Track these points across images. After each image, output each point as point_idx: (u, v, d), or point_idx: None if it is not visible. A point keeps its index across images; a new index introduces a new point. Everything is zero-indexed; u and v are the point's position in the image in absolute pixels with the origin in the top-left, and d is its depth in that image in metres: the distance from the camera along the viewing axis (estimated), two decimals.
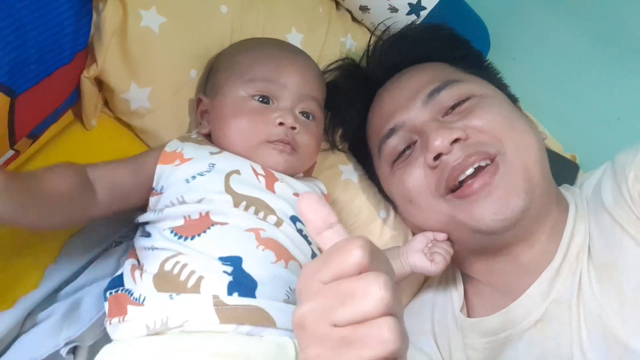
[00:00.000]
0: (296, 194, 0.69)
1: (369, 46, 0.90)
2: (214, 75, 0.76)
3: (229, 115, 0.70)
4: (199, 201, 0.63)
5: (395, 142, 0.75)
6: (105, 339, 0.60)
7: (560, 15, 1.02)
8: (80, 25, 0.66)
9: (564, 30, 1.03)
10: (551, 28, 1.04)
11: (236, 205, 0.63)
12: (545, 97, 1.08)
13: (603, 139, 1.04)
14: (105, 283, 0.64)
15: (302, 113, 0.73)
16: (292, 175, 0.74)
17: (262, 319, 0.56)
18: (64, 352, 0.60)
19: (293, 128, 0.70)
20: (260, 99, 0.70)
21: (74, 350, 0.62)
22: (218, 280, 0.57)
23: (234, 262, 0.58)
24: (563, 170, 0.98)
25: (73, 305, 0.64)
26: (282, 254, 0.61)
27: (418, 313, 0.81)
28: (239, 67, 0.72)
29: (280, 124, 0.69)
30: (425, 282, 0.87)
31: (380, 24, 0.94)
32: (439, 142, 0.67)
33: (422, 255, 0.73)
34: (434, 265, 0.72)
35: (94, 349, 0.61)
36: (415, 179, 0.71)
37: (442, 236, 0.73)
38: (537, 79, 1.08)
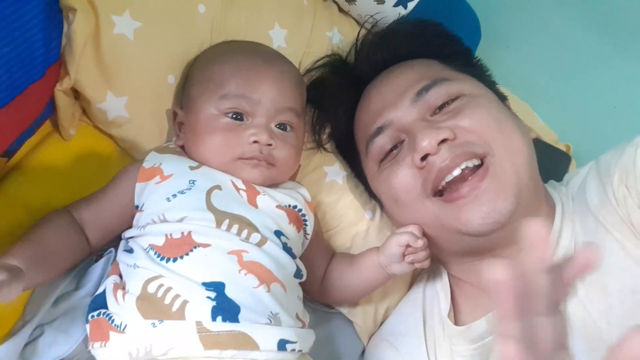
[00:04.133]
0: (279, 207, 0.69)
1: (356, 41, 0.87)
2: (188, 88, 0.74)
3: (202, 132, 0.69)
4: (181, 220, 0.62)
5: (382, 141, 0.75)
6: (90, 357, 0.61)
7: (555, 1, 0.98)
8: (50, 39, 0.64)
9: (559, 17, 1.00)
10: (546, 15, 1.01)
11: (218, 224, 0.62)
12: (539, 86, 1.07)
13: (599, 128, 1.03)
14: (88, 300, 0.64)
15: (279, 125, 0.71)
16: (275, 185, 0.73)
17: (246, 343, 0.57)
18: None
19: (269, 145, 0.68)
20: (234, 116, 0.69)
21: None
22: (202, 305, 0.57)
23: (217, 287, 0.59)
24: (555, 161, 0.98)
25: (60, 323, 0.64)
26: (265, 277, 0.61)
27: (411, 315, 0.81)
28: (212, 83, 0.70)
29: (255, 142, 0.68)
30: (413, 282, 0.87)
31: (368, 17, 0.91)
32: (426, 142, 0.67)
33: (400, 264, 0.73)
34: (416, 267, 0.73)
35: None
36: (402, 179, 0.71)
37: (420, 244, 0.72)
38: (532, 67, 1.07)
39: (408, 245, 0.72)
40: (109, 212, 0.67)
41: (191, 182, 0.65)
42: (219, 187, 0.66)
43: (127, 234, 0.66)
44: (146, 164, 0.68)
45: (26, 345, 0.62)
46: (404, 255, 0.72)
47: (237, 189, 0.67)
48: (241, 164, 0.68)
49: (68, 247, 0.64)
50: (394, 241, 0.72)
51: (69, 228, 0.65)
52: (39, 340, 0.63)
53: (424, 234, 0.73)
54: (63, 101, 0.70)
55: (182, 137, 0.73)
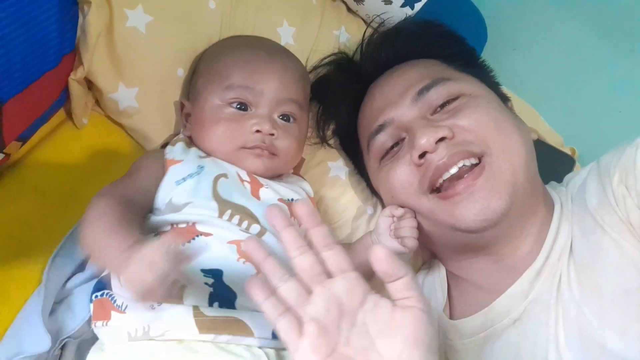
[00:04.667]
0: (281, 200, 0.71)
1: (362, 41, 0.89)
2: (194, 80, 0.77)
3: (206, 122, 0.71)
4: (185, 204, 0.64)
5: (383, 139, 0.76)
6: (94, 336, 0.63)
7: (563, 5, 0.98)
8: (65, 30, 0.67)
9: (566, 21, 1.00)
10: (553, 18, 1.01)
11: (221, 214, 0.64)
12: (546, 89, 1.07)
13: (605, 132, 1.02)
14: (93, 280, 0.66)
15: (282, 116, 0.73)
16: (278, 176, 0.75)
17: (240, 329, 0.58)
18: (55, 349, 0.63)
19: (271, 134, 0.70)
20: (238, 106, 0.71)
21: (62, 345, 0.64)
22: (199, 291, 0.59)
23: (215, 274, 0.60)
24: (558, 164, 0.97)
25: (68, 302, 0.67)
26: None
27: None
28: (217, 75, 0.73)
29: (257, 131, 0.70)
30: None
31: (375, 16, 0.93)
32: (424, 140, 0.68)
33: (389, 237, 0.73)
34: (404, 246, 0.73)
35: (82, 344, 0.65)
36: (400, 176, 0.72)
37: (399, 212, 0.73)
38: (538, 70, 1.06)
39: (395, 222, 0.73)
40: (147, 192, 0.66)
41: (200, 167, 0.67)
42: (225, 176, 0.68)
43: None
44: (168, 156, 0.70)
45: None
46: (391, 230, 0.73)
47: (242, 181, 0.69)
48: (244, 154, 0.70)
49: (135, 215, 0.62)
50: (380, 214, 0.75)
51: (127, 205, 0.61)
52: (52, 317, 0.65)
53: (421, 229, 0.74)
54: (76, 90, 0.73)
55: (188, 128, 0.76)
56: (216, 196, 0.65)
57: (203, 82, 0.74)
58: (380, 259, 0.49)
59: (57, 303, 0.66)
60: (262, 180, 0.71)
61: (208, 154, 0.71)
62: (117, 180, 0.69)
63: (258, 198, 0.69)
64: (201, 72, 0.76)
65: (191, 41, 0.80)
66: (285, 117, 0.73)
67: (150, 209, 0.67)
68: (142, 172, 0.68)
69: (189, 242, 0.62)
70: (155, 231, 0.64)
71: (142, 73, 0.76)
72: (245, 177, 0.70)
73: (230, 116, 0.71)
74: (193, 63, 0.80)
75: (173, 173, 0.67)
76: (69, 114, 0.77)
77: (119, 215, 0.58)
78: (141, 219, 0.64)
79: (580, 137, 1.07)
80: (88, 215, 0.59)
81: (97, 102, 0.79)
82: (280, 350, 0.61)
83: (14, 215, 0.68)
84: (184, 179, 0.66)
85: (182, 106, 0.77)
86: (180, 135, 0.76)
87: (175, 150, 0.71)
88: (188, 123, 0.76)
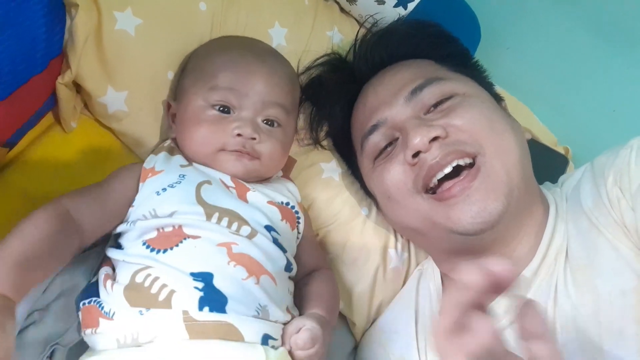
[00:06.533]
0: (271, 202, 0.70)
1: (355, 41, 0.88)
2: (181, 80, 0.76)
3: (189, 123, 0.70)
4: (171, 214, 0.63)
5: (377, 139, 0.76)
6: (83, 343, 0.62)
7: (556, 4, 0.99)
8: (53, 33, 0.66)
9: (560, 20, 1.00)
10: (547, 17, 1.01)
11: (208, 217, 0.63)
12: (539, 88, 1.07)
13: (598, 131, 1.03)
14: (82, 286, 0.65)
15: (266, 121, 0.72)
16: (264, 180, 0.74)
17: (231, 334, 0.57)
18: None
19: (252, 139, 0.69)
20: (220, 109, 0.70)
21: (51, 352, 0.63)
22: (189, 295, 0.58)
23: (205, 278, 0.59)
24: (552, 163, 0.97)
25: (54, 308, 0.65)
26: (254, 269, 0.62)
27: (404, 312, 0.82)
28: (203, 74, 0.72)
29: (238, 135, 0.69)
30: (406, 277, 0.88)
31: (368, 17, 0.92)
32: (417, 140, 0.68)
33: None
34: None
35: (72, 351, 0.64)
36: (394, 176, 0.72)
37: None
38: (532, 69, 1.07)
39: None
40: (110, 211, 0.66)
41: (181, 176, 0.66)
42: (208, 182, 0.67)
43: (118, 229, 0.66)
44: (147, 165, 0.69)
45: (28, 327, 0.63)
46: None
47: (227, 187, 0.68)
48: (224, 156, 0.69)
49: (58, 247, 0.59)
50: None
51: (61, 234, 0.59)
52: (39, 324, 0.64)
53: (417, 231, 0.74)
54: (64, 94, 0.72)
55: (174, 129, 0.75)
56: (200, 201, 0.64)
57: (189, 81, 0.73)
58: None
59: (42, 310, 0.65)
60: (248, 185, 0.70)
61: (190, 162, 0.70)
62: (88, 186, 0.66)
63: (246, 201, 0.68)
64: (188, 71, 0.75)
65: (182, 44, 0.79)
66: (270, 122, 0.72)
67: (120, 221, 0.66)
68: (114, 185, 0.67)
69: (177, 245, 0.61)
70: (140, 237, 0.63)
71: (131, 76, 0.75)
72: (229, 182, 0.69)
73: (213, 118, 0.69)
74: (182, 63, 0.79)
75: (153, 184, 0.66)
76: (58, 118, 0.76)
77: (41, 253, 0.55)
78: (67, 255, 0.60)
79: (574, 137, 1.07)
80: (24, 220, 0.57)
81: (86, 105, 0.78)
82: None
83: (2, 220, 0.67)
84: (165, 189, 0.65)
85: (169, 107, 0.76)
86: (166, 143, 0.75)
87: (157, 160, 0.70)
88: (174, 124, 0.75)
